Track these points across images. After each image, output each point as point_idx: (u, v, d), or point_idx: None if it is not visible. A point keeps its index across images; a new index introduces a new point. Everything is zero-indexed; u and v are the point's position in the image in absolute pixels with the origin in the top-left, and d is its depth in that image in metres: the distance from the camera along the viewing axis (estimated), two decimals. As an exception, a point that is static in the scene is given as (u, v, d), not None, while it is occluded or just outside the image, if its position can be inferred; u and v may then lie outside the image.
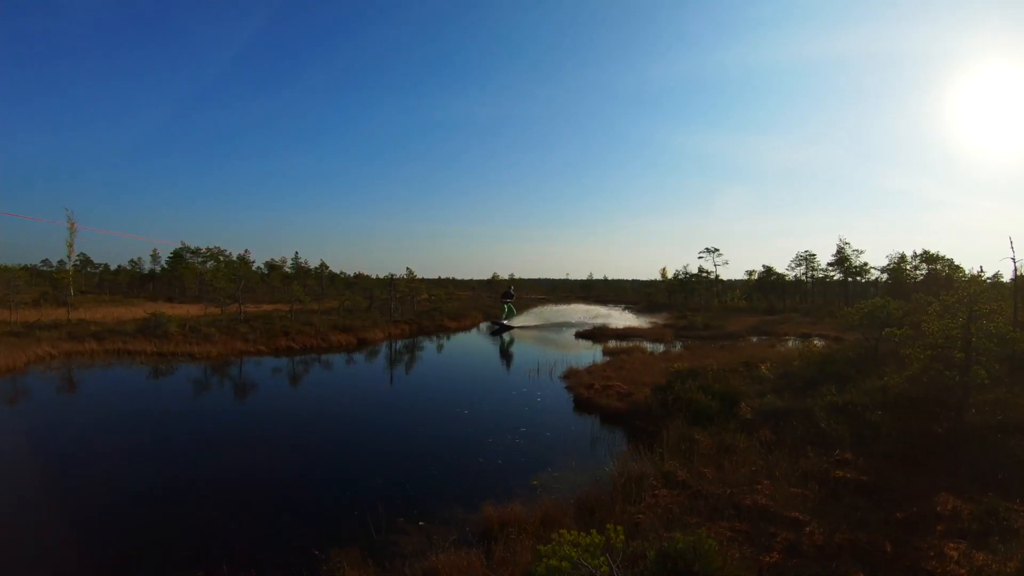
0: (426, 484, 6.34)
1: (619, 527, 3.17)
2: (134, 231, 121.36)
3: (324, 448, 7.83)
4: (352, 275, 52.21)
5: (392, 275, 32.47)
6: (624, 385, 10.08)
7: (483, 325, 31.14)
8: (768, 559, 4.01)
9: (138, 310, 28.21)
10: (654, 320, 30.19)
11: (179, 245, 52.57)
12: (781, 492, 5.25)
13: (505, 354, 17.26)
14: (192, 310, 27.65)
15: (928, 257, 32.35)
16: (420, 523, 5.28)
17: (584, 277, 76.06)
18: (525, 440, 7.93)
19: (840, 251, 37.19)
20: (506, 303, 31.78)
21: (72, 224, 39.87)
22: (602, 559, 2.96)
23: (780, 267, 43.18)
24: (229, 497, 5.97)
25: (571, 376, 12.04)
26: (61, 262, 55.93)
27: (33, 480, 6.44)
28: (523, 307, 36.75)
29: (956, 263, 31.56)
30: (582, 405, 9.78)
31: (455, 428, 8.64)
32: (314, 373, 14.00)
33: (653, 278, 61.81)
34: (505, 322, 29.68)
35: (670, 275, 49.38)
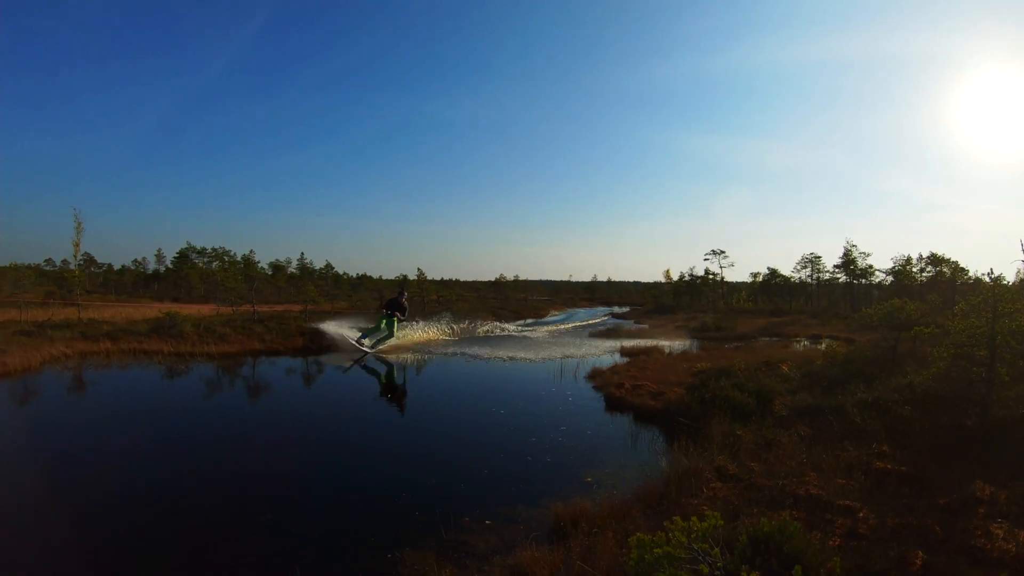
0: (480, 484, 6.52)
1: (716, 513, 3.56)
2: (137, 232, 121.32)
3: (366, 450, 7.97)
4: (355, 276, 52.43)
5: (405, 276, 32.55)
6: (653, 384, 10.50)
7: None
8: (832, 543, 4.40)
9: (147, 310, 28.43)
10: (661, 322, 30.36)
11: (184, 245, 52.58)
12: (829, 482, 5.65)
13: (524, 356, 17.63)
14: (203, 310, 27.85)
15: (934, 259, 32.96)
16: (487, 522, 5.40)
17: (588, 279, 76.71)
18: (567, 438, 8.23)
19: (847, 253, 37.74)
20: (387, 314, 18.22)
21: (79, 224, 40.03)
22: (707, 545, 3.34)
23: (783, 269, 43.89)
24: (284, 501, 6.10)
25: (596, 376, 12.41)
26: (64, 261, 56.00)
27: (67, 478, 6.59)
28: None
29: (961, 265, 32.22)
30: (614, 404, 10.15)
31: (495, 428, 8.87)
32: (337, 374, 14.24)
33: (656, 280, 62.49)
34: (368, 346, 17.12)
35: (675, 277, 49.87)
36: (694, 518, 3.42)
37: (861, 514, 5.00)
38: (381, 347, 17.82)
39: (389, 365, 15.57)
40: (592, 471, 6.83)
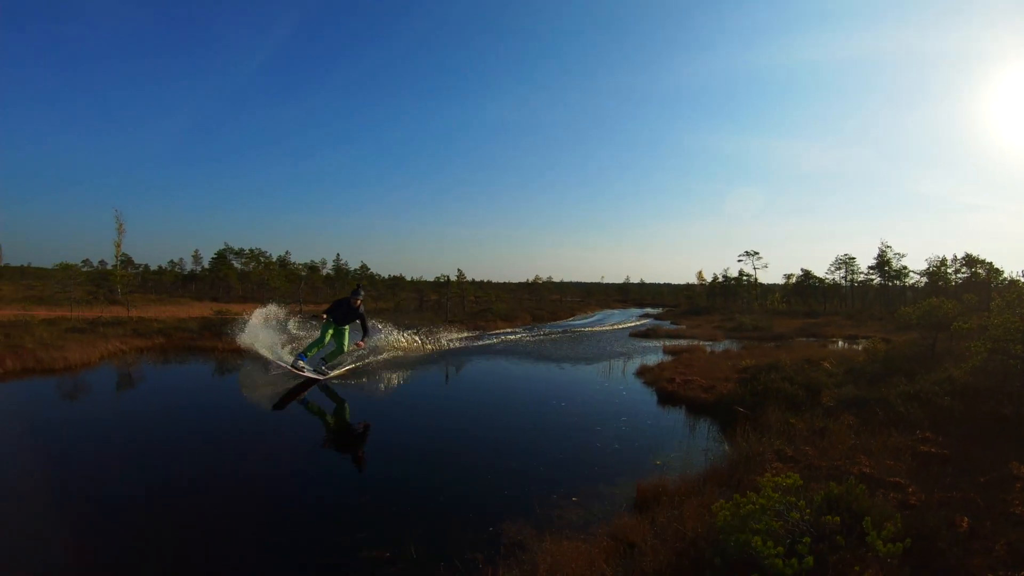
0: (558, 466, 7.08)
1: (795, 475, 4.37)
2: (171, 232, 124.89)
3: (443, 436, 8.54)
4: (386, 276, 53.62)
5: (447, 277, 33.53)
6: (702, 379, 11.27)
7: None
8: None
9: (191, 308, 29.85)
10: (697, 323, 30.72)
11: (222, 246, 54.12)
12: (879, 463, 6.39)
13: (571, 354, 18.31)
14: (248, 308, 29.02)
15: (969, 260, 33.01)
16: (573, 499, 5.91)
17: (619, 280, 77.37)
18: (629, 428, 9.00)
19: (881, 254, 37.84)
20: (330, 321, 12.79)
21: (120, 225, 41.51)
22: (793, 498, 4.15)
23: (815, 270, 44.14)
24: (382, 482, 6.55)
25: (645, 373, 13.20)
26: (102, 262, 58.01)
27: (156, 467, 6.92)
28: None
29: (996, 266, 32.22)
30: (667, 398, 10.92)
31: (560, 417, 9.62)
32: (375, 370, 14.60)
33: (688, 281, 63.01)
34: (309, 371, 12.36)
35: (707, 278, 50.32)
36: (779, 476, 4.24)
37: (910, 489, 5.73)
38: (333, 373, 12.92)
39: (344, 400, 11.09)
40: (659, 455, 7.51)
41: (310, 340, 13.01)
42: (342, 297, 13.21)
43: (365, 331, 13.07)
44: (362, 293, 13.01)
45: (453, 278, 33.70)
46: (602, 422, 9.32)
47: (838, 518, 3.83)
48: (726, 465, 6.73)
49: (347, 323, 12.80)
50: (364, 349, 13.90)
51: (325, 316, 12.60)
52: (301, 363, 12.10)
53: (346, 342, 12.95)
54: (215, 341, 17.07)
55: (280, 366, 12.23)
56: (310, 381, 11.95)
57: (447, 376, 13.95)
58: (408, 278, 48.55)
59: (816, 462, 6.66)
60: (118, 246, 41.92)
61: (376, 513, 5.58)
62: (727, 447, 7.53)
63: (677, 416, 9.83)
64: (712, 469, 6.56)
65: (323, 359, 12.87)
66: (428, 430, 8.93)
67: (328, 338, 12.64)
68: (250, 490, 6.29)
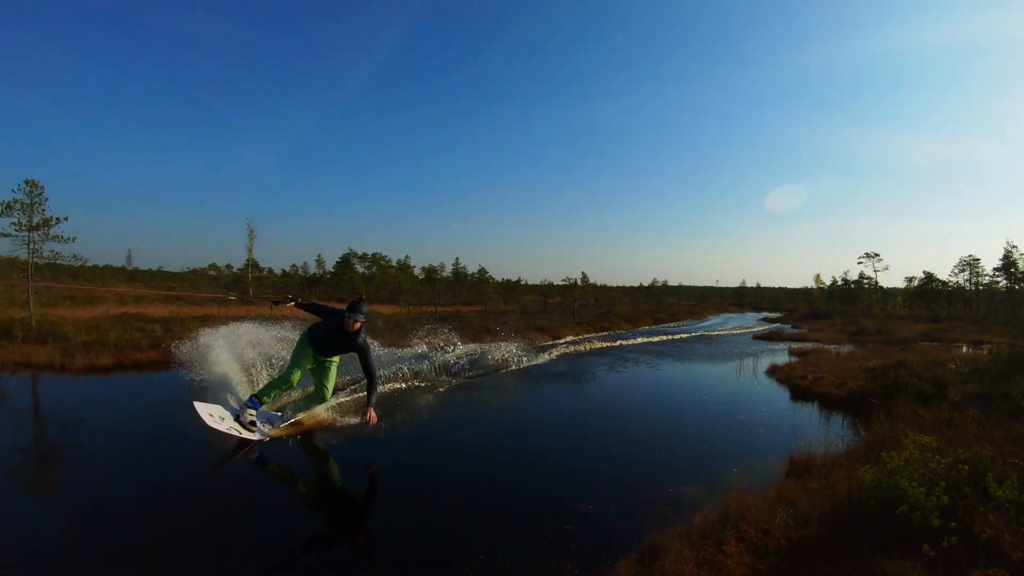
0: (715, 444, 8.34)
1: (931, 437, 6.01)
2: (289, 237, 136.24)
3: (619, 419, 9.96)
4: (499, 280, 56.34)
5: (574, 280, 35.38)
6: (832, 377, 12.57)
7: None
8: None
9: None
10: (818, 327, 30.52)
11: (346, 251, 58.78)
12: (1002, 449, 7.69)
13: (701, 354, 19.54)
14: (382, 310, 32.30)
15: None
16: (734, 469, 6.64)
17: (734, 284, 76.78)
18: (770, 417, 10.47)
19: (1007, 255, 35.91)
20: (309, 344, 7.56)
21: (252, 231, 45.57)
22: (930, 454, 5.80)
23: (937, 272, 42.35)
24: (593, 454, 7.53)
25: (775, 372, 14.61)
26: (228, 266, 63.60)
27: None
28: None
29: None
30: (799, 394, 12.34)
31: (706, 407, 11.18)
32: (546, 365, 16.20)
33: (805, 285, 61.88)
34: (255, 431, 7.09)
35: (826, 281, 49.38)
36: (920, 436, 5.88)
37: (1028, 466, 7.03)
38: (270, 430, 7.50)
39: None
40: (802, 440, 8.55)
41: (276, 378, 7.68)
42: (336, 307, 7.81)
43: (372, 386, 7.33)
44: (364, 309, 7.38)
45: (573, 281, 35.54)
46: (744, 411, 10.91)
47: (967, 467, 5.41)
48: (863, 446, 7.94)
49: (335, 355, 7.80)
50: (374, 424, 7.21)
51: (312, 342, 7.58)
52: (251, 413, 7.15)
53: (330, 386, 7.84)
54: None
55: (227, 431, 6.93)
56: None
57: (593, 376, 15.37)
58: (526, 283, 50.81)
59: (945, 447, 7.98)
60: (250, 250, 45.95)
61: (583, 476, 6.63)
62: (863, 432, 8.98)
63: (811, 409, 11.27)
64: (851, 450, 7.75)
65: (253, 410, 7.26)
66: (607, 416, 10.52)
67: (298, 377, 7.52)
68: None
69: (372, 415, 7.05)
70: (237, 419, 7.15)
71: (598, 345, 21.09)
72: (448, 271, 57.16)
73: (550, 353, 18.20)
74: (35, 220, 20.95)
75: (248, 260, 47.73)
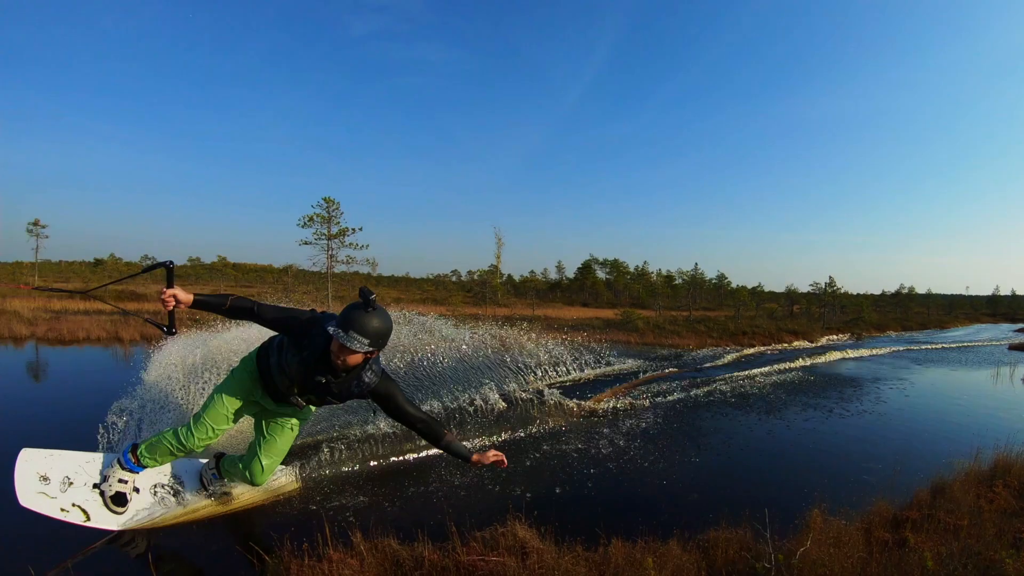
0: (989, 434, 7.82)
1: None
2: (536, 241, 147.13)
3: (896, 413, 9.51)
4: (735, 286, 54.41)
5: (823, 285, 33.89)
6: None
7: None
8: None
9: (573, 312, 35.73)
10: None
11: (588, 257, 61.73)
12: None
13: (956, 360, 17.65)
14: (641, 312, 33.32)
15: None
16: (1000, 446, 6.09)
17: (987, 292, 64.96)
18: None
19: None
20: (255, 375, 3.21)
21: (500, 240, 49.20)
22: None
23: None
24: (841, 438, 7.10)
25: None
26: (470, 272, 67.25)
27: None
28: None
29: None
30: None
31: (970, 406, 10.48)
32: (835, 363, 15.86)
33: None
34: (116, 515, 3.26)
35: None
36: None
37: None
38: (222, 486, 3.79)
39: None
40: None
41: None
42: (316, 312, 3.06)
43: (438, 428, 3.11)
44: (376, 323, 2.70)
45: (822, 286, 33.73)
46: (1007, 412, 9.99)
47: None
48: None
49: (310, 406, 3.39)
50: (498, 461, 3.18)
51: (288, 390, 3.15)
52: (125, 477, 3.39)
53: (274, 458, 3.55)
54: (621, 335, 20.18)
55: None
56: None
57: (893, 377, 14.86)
58: (766, 289, 48.75)
59: None
60: (498, 258, 50.02)
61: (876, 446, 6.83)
62: None
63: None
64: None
65: (213, 472, 3.79)
66: (882, 403, 10.43)
67: (210, 439, 3.22)
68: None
69: (489, 455, 3.14)
70: (96, 487, 3.41)
71: (878, 351, 19.26)
72: (685, 276, 56.79)
73: (826, 356, 17.45)
74: (332, 230, 24.62)
75: (497, 265, 52.26)
